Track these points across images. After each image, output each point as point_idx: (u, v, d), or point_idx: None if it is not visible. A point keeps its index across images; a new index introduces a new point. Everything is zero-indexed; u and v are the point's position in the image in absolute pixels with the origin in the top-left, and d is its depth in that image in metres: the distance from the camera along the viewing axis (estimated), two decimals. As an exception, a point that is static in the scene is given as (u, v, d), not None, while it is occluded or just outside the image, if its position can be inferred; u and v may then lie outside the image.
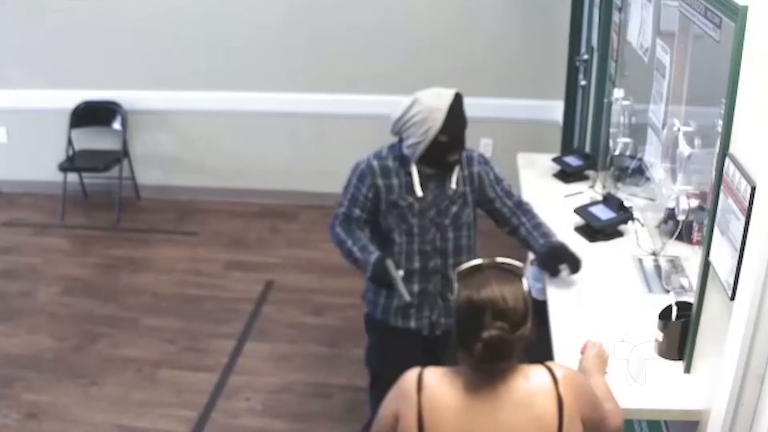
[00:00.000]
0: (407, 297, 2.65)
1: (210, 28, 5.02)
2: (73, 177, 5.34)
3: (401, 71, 4.87)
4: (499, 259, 1.83)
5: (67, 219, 5.23)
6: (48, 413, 3.53)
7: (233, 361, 3.86)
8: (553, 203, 3.14)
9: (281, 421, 3.48)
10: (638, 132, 3.19)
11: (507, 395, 1.77)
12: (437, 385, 1.81)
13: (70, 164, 5.23)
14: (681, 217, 2.61)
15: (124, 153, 5.30)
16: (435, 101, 2.57)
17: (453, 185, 2.69)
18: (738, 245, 1.83)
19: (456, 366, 1.82)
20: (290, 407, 3.56)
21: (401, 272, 2.69)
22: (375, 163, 2.70)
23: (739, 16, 1.80)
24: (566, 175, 3.58)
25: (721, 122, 1.94)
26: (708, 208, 2.08)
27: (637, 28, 3.16)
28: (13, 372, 3.79)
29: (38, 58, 5.21)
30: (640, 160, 3.22)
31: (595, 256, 2.84)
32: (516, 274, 1.81)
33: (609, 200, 3.12)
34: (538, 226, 2.83)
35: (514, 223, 2.83)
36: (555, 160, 3.70)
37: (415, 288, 2.75)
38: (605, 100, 3.54)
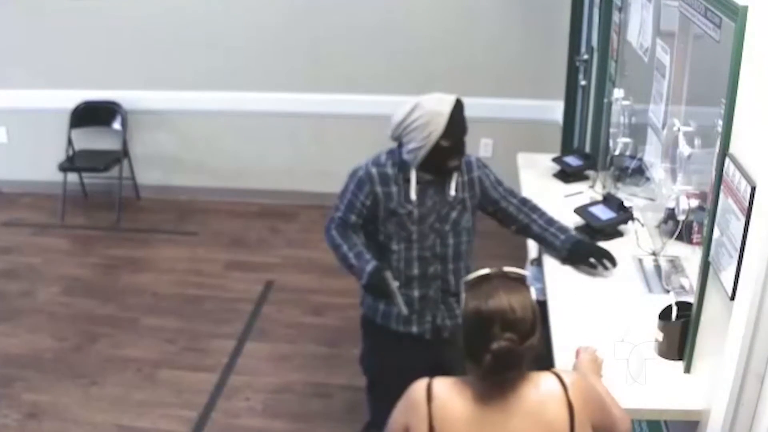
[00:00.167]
0: (405, 311, 2.65)
1: (210, 28, 5.02)
2: (73, 177, 5.34)
3: (401, 71, 4.88)
4: (506, 269, 1.82)
5: (67, 219, 5.23)
6: (48, 413, 3.53)
7: (233, 361, 3.86)
8: (553, 203, 3.13)
9: (281, 421, 3.48)
10: (638, 132, 3.19)
11: (517, 404, 1.76)
12: (447, 395, 1.80)
13: (70, 164, 5.23)
14: (681, 217, 2.61)
15: (124, 153, 5.30)
16: (437, 106, 2.56)
17: (452, 191, 2.68)
18: (738, 245, 1.83)
19: (464, 376, 1.81)
20: (290, 407, 3.56)
21: (397, 283, 2.66)
22: (374, 171, 2.66)
23: (739, 16, 1.80)
24: (566, 175, 3.58)
25: (721, 122, 1.94)
26: (708, 208, 2.07)
27: (637, 28, 3.16)
28: (13, 372, 3.79)
29: (38, 58, 5.21)
30: (640, 160, 3.22)
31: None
32: (523, 283, 1.80)
33: (609, 200, 3.12)
34: (551, 221, 2.84)
35: (523, 220, 2.83)
36: (555, 160, 3.70)
37: (416, 294, 2.73)
38: (605, 100, 3.54)
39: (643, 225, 3.02)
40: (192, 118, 5.30)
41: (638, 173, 3.28)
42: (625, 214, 3.02)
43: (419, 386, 1.84)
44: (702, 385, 2.13)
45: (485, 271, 1.82)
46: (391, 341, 2.82)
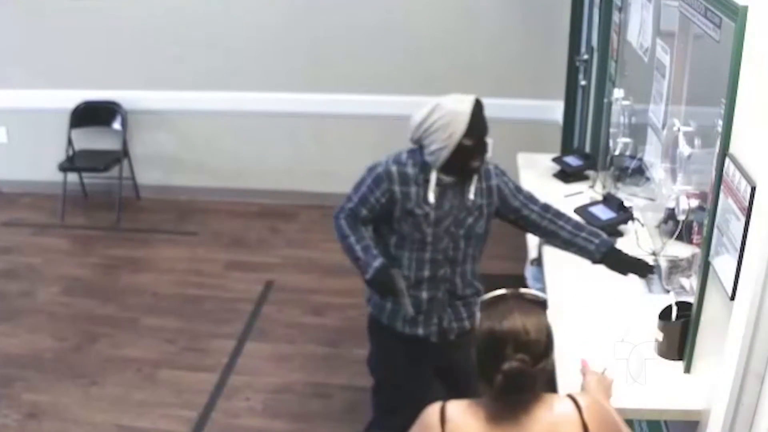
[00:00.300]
0: (410, 311, 2.64)
1: (210, 28, 5.02)
2: (73, 177, 5.34)
3: (401, 71, 4.88)
4: (523, 290, 1.82)
5: (67, 219, 5.24)
6: (48, 413, 3.53)
7: (233, 361, 3.86)
8: (553, 203, 3.13)
9: (281, 421, 3.48)
10: (638, 132, 3.19)
11: (530, 425, 1.74)
12: (461, 418, 1.78)
13: (70, 164, 5.23)
14: (681, 217, 2.60)
15: (124, 153, 5.30)
16: (457, 105, 2.53)
17: (471, 196, 2.64)
18: (738, 245, 1.83)
19: (478, 398, 1.80)
20: (290, 407, 3.56)
21: (405, 283, 2.64)
22: (394, 169, 2.62)
23: (739, 16, 1.80)
24: (566, 175, 3.58)
25: (721, 122, 1.94)
26: (708, 208, 2.07)
27: (637, 28, 3.16)
28: (13, 372, 3.79)
29: (38, 58, 5.22)
30: (640, 160, 3.21)
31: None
32: (540, 306, 1.79)
33: (609, 200, 3.12)
34: (579, 226, 2.82)
35: (548, 227, 2.80)
36: (555, 160, 3.70)
37: (424, 295, 2.71)
38: (605, 100, 3.54)
39: (643, 225, 3.02)
40: (192, 118, 5.30)
41: (638, 173, 3.28)
42: (625, 214, 3.03)
43: (433, 410, 1.81)
44: (702, 385, 2.13)
45: (501, 291, 1.81)
46: (396, 343, 2.80)
